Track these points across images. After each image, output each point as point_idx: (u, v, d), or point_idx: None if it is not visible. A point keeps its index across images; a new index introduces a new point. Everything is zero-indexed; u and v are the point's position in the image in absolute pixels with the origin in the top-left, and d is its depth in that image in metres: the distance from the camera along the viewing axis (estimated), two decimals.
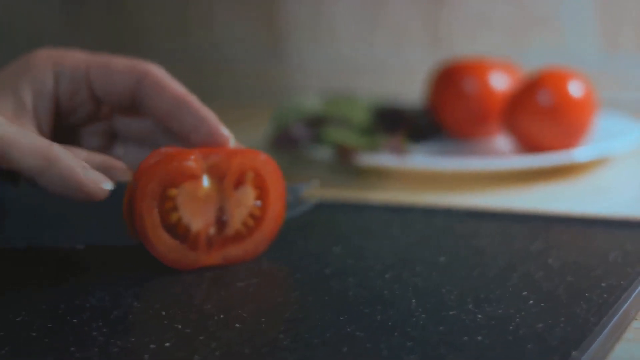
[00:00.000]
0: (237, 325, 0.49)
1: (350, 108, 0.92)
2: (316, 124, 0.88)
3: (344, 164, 0.84)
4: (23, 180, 0.53)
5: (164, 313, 0.51)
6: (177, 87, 0.60)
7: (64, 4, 1.36)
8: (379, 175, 0.83)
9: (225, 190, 0.57)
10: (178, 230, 0.56)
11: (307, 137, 0.86)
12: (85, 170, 0.53)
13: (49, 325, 0.50)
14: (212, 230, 0.57)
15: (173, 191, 0.55)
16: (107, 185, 0.54)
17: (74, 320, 0.50)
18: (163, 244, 0.55)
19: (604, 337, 0.47)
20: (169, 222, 0.56)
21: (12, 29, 1.37)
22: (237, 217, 0.57)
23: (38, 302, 0.53)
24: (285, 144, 0.86)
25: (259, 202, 0.58)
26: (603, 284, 0.53)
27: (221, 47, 1.27)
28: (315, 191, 0.79)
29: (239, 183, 0.57)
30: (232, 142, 0.59)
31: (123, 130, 0.63)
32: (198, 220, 0.56)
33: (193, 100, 0.59)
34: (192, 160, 0.56)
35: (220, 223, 0.57)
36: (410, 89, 1.06)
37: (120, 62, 0.60)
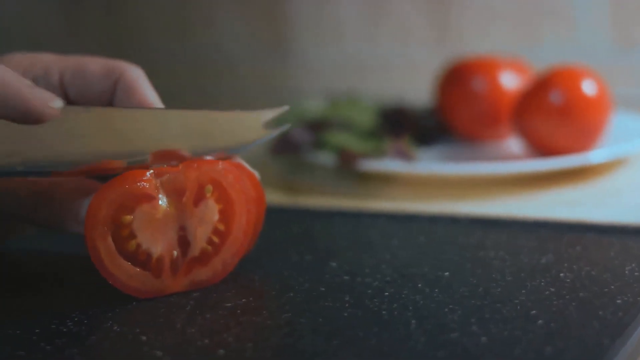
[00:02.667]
0: (220, 351, 0.46)
1: (354, 110, 0.89)
2: (318, 127, 0.85)
3: (347, 170, 0.80)
4: None
5: (144, 338, 0.48)
6: (146, 93, 0.56)
7: (63, 5, 1.34)
8: (383, 181, 0.80)
9: (185, 208, 0.53)
10: (139, 258, 0.52)
11: (309, 142, 0.83)
12: (33, 89, 0.49)
13: (20, 353, 0.46)
14: (175, 253, 0.53)
15: (127, 218, 0.51)
16: (57, 104, 0.49)
17: (48, 347, 0.47)
18: (123, 272, 0.52)
19: None
20: (128, 250, 0.52)
21: (11, 31, 1.36)
22: (200, 236, 0.53)
23: (11, 327, 0.49)
24: (285, 148, 0.83)
25: (217, 217, 0.54)
26: (618, 301, 0.50)
27: (223, 47, 1.25)
28: (316, 199, 0.76)
29: (199, 198, 0.53)
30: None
31: None
32: (159, 244, 0.52)
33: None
34: (145, 181, 0.52)
35: (184, 244, 0.53)
36: (416, 88, 1.04)
37: (96, 64, 0.56)
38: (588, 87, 0.80)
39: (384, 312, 0.50)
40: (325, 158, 0.81)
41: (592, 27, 1.04)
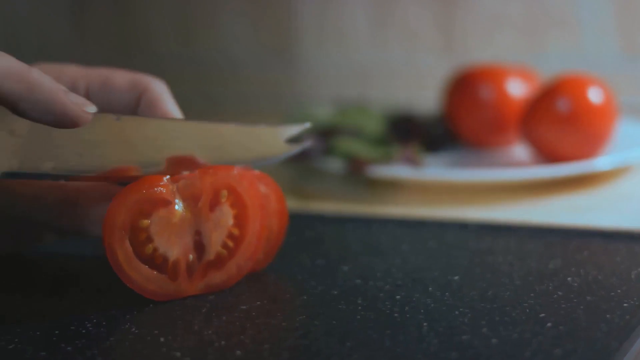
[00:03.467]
0: (238, 352, 0.47)
1: (362, 118, 0.90)
2: (327, 134, 0.86)
3: (356, 176, 0.81)
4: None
5: (162, 340, 0.49)
6: (169, 108, 0.57)
7: (70, 10, 1.35)
8: (392, 188, 0.81)
9: (201, 213, 0.54)
10: (156, 261, 0.53)
11: (318, 148, 0.84)
12: (68, 94, 0.50)
13: (41, 354, 0.47)
14: (191, 257, 0.54)
15: (145, 222, 0.53)
16: (91, 109, 0.51)
17: (68, 348, 0.48)
18: (140, 275, 0.53)
19: None
20: (145, 254, 0.53)
21: (19, 35, 1.36)
22: (216, 240, 0.54)
23: (32, 328, 0.51)
24: (295, 155, 0.84)
25: (231, 222, 0.55)
26: (625, 304, 0.51)
27: (228, 53, 1.25)
28: (326, 205, 0.77)
29: (215, 203, 0.54)
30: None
31: None
32: (175, 248, 0.53)
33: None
34: (162, 186, 0.53)
35: (200, 248, 0.54)
36: (423, 95, 1.04)
37: (121, 78, 0.58)
38: (594, 95, 0.81)
39: (396, 314, 0.51)
40: (335, 164, 0.82)
41: (598, 35, 1.05)
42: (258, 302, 0.53)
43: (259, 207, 0.55)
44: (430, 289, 0.54)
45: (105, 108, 0.57)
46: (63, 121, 0.50)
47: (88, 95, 0.57)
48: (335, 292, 0.54)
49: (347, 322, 0.50)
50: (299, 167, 0.85)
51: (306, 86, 1.20)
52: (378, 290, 0.54)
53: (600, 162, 0.80)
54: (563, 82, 0.82)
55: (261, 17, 1.22)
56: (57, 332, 0.50)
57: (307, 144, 0.60)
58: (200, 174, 0.54)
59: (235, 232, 0.55)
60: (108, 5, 1.33)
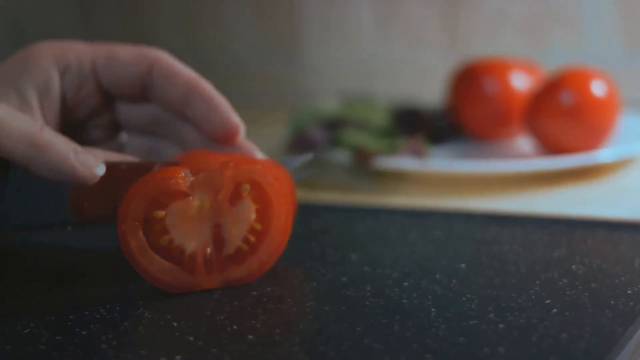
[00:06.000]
0: (250, 337, 0.48)
1: (368, 110, 0.91)
2: (334, 126, 0.87)
3: (362, 168, 0.82)
4: (12, 166, 0.51)
5: (175, 324, 0.50)
6: (188, 72, 0.58)
7: (76, 8, 1.35)
8: (397, 179, 0.82)
9: (220, 206, 0.53)
10: (172, 253, 0.53)
11: (325, 140, 0.85)
12: (77, 154, 0.51)
13: (57, 338, 0.48)
14: (209, 250, 0.54)
15: (159, 213, 0.52)
16: (100, 170, 0.52)
17: (83, 332, 0.49)
18: (154, 266, 0.52)
19: (630, 347, 0.46)
20: (160, 244, 0.53)
21: (26, 33, 1.37)
22: (236, 234, 0.54)
23: (47, 314, 0.51)
24: (302, 147, 0.85)
25: (253, 216, 0.54)
26: (629, 291, 0.52)
27: (232, 49, 1.25)
28: (333, 195, 0.78)
29: (236, 197, 0.54)
30: (242, 131, 0.57)
31: (127, 120, 0.60)
32: (192, 241, 0.53)
33: (206, 86, 0.58)
34: (179, 178, 0.52)
35: (219, 242, 0.54)
36: (428, 89, 1.05)
37: (127, 51, 0.58)
38: (598, 88, 0.82)
39: (404, 301, 0.52)
40: (341, 156, 0.83)
41: (601, 31, 1.06)
42: (268, 289, 0.54)
43: (285, 202, 0.54)
44: (437, 276, 0.55)
45: (112, 81, 0.58)
46: (72, 182, 0.51)
47: (95, 70, 0.58)
48: (345, 279, 0.55)
49: (357, 308, 0.51)
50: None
51: (311, 83, 1.20)
52: (386, 278, 0.55)
53: (603, 155, 0.80)
54: (567, 75, 0.83)
55: (266, 14, 1.23)
56: (71, 317, 0.51)
57: (307, 174, 0.61)
58: (221, 167, 0.53)
59: (258, 226, 0.54)
60: (113, 3, 1.33)
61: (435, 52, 1.13)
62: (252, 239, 0.54)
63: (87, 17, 1.35)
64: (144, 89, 0.58)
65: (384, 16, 1.16)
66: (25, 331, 0.49)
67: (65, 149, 0.51)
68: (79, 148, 0.52)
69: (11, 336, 0.49)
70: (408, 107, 0.94)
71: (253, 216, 0.54)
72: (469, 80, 0.89)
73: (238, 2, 1.24)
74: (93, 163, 0.52)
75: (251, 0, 1.23)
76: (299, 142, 0.85)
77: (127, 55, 0.58)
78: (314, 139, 0.85)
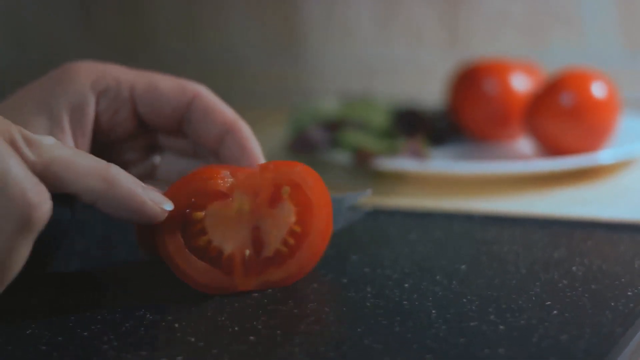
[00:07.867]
0: (251, 338, 0.48)
1: (369, 111, 0.91)
2: (334, 127, 0.87)
3: (362, 168, 0.82)
4: (79, 204, 0.50)
5: (176, 325, 0.50)
6: (227, 111, 0.57)
7: (78, 8, 1.36)
8: (397, 180, 0.82)
9: (260, 208, 0.53)
10: (210, 254, 0.53)
11: (325, 141, 0.85)
12: (146, 191, 0.50)
13: (58, 338, 0.49)
14: (247, 252, 0.53)
15: (198, 214, 0.52)
16: (168, 206, 0.51)
17: (85, 333, 0.49)
18: (191, 267, 0.52)
19: (630, 348, 0.46)
20: (198, 245, 0.52)
21: (27, 34, 1.37)
22: (275, 237, 0.53)
23: (48, 314, 0.52)
24: (302, 147, 0.85)
25: (293, 219, 0.54)
26: (629, 293, 0.52)
27: (234, 49, 1.25)
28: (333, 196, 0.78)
29: (275, 199, 0.53)
30: None
31: (162, 145, 0.60)
32: (230, 242, 0.53)
33: (242, 128, 0.57)
34: (218, 179, 0.52)
35: (258, 244, 0.53)
36: (428, 89, 1.05)
37: (168, 82, 0.57)
38: (598, 90, 0.82)
39: (405, 302, 0.52)
40: (341, 157, 0.83)
41: (601, 31, 1.06)
42: (269, 290, 0.54)
43: (325, 205, 0.54)
44: (437, 277, 0.55)
45: (150, 111, 0.57)
46: (140, 219, 0.50)
47: (133, 97, 0.57)
48: (345, 281, 0.56)
49: (357, 308, 0.51)
50: (306, 159, 0.86)
51: (312, 82, 1.20)
52: (387, 279, 0.55)
53: (603, 156, 0.80)
54: (567, 76, 0.83)
55: (267, 13, 1.23)
56: (72, 317, 0.51)
57: (365, 212, 0.62)
58: (261, 169, 0.53)
59: (297, 229, 0.54)
60: (113, 3, 1.33)
61: (435, 52, 1.14)
62: (292, 241, 0.54)
63: (87, 17, 1.35)
64: (180, 122, 0.58)
65: (384, 16, 1.16)
66: (27, 332, 0.49)
67: (133, 184, 0.50)
68: (145, 185, 0.51)
69: (12, 336, 0.49)
70: (408, 108, 0.94)
71: (293, 218, 0.54)
72: (469, 81, 0.89)
73: (238, 2, 1.24)
74: (162, 200, 0.51)
75: (251, 1, 1.23)
76: (299, 142, 0.85)
77: (167, 87, 0.57)
78: (314, 139, 0.85)
